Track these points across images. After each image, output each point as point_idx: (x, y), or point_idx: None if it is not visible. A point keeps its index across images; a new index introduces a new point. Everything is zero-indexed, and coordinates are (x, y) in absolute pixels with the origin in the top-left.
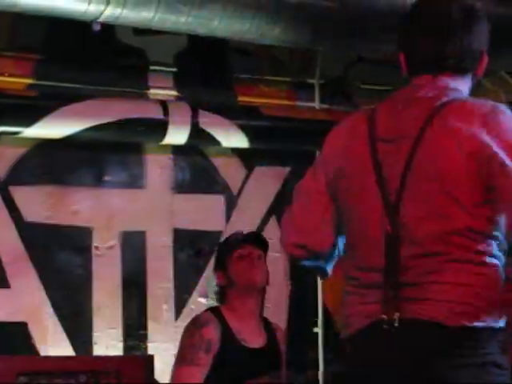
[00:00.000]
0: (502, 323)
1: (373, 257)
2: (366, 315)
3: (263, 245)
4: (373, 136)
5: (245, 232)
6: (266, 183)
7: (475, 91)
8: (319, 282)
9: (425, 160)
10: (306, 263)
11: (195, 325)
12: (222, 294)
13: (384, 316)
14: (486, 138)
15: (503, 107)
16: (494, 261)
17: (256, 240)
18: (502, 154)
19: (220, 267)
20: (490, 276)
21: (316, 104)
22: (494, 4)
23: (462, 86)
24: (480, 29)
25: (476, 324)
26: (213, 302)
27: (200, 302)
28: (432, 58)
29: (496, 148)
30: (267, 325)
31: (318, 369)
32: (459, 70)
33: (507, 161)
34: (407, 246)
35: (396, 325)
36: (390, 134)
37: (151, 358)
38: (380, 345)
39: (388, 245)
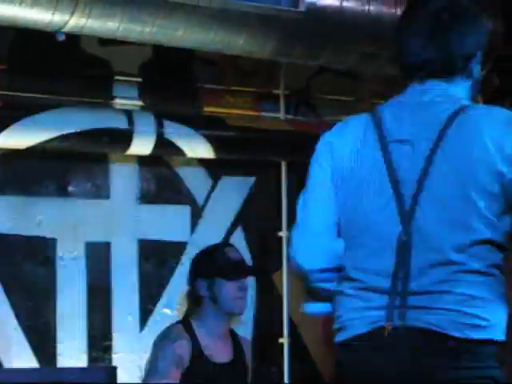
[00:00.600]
0: (503, 336)
1: (380, 260)
2: (369, 321)
3: None
4: (383, 140)
5: (247, 264)
6: (231, 193)
7: None
8: (284, 292)
9: (445, 166)
10: None
11: (168, 338)
12: (194, 305)
13: (388, 323)
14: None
15: None
16: (501, 274)
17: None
18: None
19: (204, 277)
20: (500, 289)
21: (281, 115)
22: None
23: (459, 90)
24: (472, 29)
25: (482, 337)
26: (177, 313)
27: (165, 312)
28: (421, 62)
29: None
30: (234, 337)
31: (283, 380)
32: (450, 73)
33: None
34: (421, 253)
35: (400, 333)
36: (403, 137)
37: (114, 369)
38: (381, 352)
39: (400, 250)
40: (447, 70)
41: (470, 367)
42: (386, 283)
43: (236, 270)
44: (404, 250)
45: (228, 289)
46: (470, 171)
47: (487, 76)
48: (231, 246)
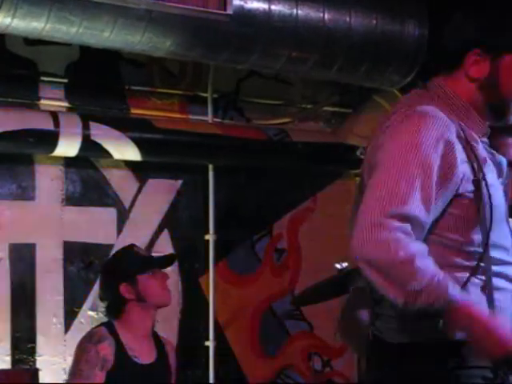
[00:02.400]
0: None
1: None
2: None
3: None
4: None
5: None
6: (158, 196)
7: (367, 108)
8: (210, 295)
9: None
10: None
11: (91, 341)
12: (119, 308)
13: None
14: None
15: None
16: None
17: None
18: None
19: (126, 280)
20: None
21: (208, 118)
22: (384, 22)
23: (454, 87)
24: (461, 23)
25: None
26: (102, 316)
27: (90, 315)
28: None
29: None
30: (157, 339)
31: (208, 383)
32: (445, 69)
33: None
34: None
35: None
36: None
37: (36, 371)
38: None
39: None
40: (443, 67)
41: None
42: None
43: (153, 263)
44: None
45: (153, 283)
46: None
47: (413, 83)
48: (135, 245)
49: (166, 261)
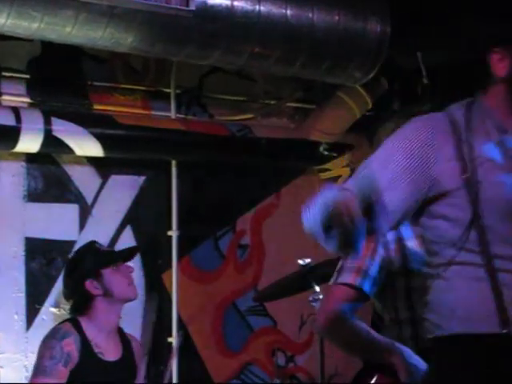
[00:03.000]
0: None
1: None
2: None
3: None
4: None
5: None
6: (121, 192)
7: (330, 104)
8: (174, 291)
9: None
10: None
11: (55, 337)
12: (85, 305)
13: None
14: None
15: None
16: None
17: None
18: None
19: (91, 276)
20: None
21: (171, 114)
22: (347, 18)
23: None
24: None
25: None
26: (64, 313)
27: (52, 312)
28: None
29: None
30: (122, 335)
31: (172, 380)
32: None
33: None
34: None
35: None
36: None
37: None
38: None
39: None
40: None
41: None
42: None
43: (116, 257)
44: None
45: (117, 277)
46: None
47: (376, 79)
48: (95, 241)
49: (129, 253)
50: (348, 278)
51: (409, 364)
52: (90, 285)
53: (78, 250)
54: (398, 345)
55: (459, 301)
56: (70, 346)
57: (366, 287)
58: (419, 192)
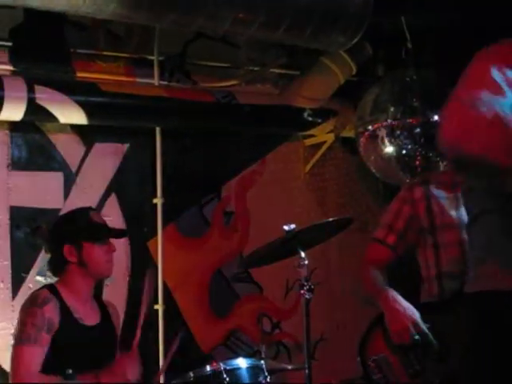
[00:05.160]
0: None
1: None
2: None
3: None
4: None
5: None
6: (105, 160)
7: (314, 70)
8: (159, 259)
9: None
10: None
11: (36, 303)
12: (59, 266)
13: None
14: None
15: None
16: None
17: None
18: None
19: (71, 242)
20: None
21: (155, 81)
22: None
23: None
24: None
25: None
26: (51, 281)
27: (38, 280)
28: None
29: None
30: (100, 302)
31: (158, 347)
32: None
33: None
34: None
35: None
36: None
37: None
38: None
39: None
40: None
41: None
42: None
43: (103, 233)
44: None
45: (97, 252)
46: None
47: (360, 44)
48: (93, 209)
49: (116, 233)
50: None
51: None
52: (68, 250)
53: (72, 211)
54: None
55: None
56: (51, 312)
57: None
58: None
